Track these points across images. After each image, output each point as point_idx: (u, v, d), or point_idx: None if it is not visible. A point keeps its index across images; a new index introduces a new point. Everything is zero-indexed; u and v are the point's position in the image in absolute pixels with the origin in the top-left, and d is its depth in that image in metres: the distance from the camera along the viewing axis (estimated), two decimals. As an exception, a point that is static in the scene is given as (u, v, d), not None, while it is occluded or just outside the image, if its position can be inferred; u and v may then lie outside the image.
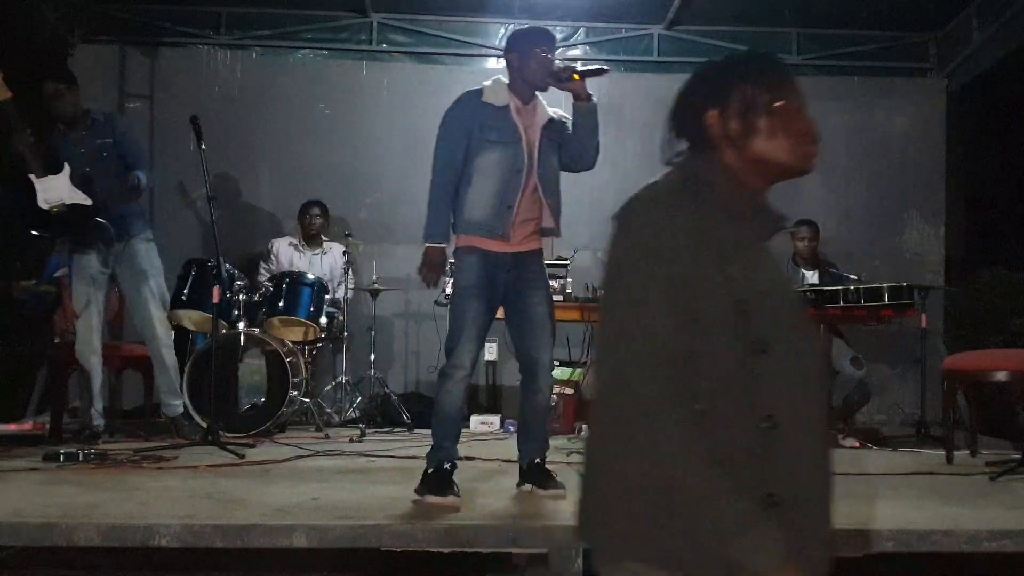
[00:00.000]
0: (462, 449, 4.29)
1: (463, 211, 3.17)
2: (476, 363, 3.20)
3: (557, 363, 5.55)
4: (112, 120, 4.67)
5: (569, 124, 3.29)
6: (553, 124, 3.27)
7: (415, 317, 6.62)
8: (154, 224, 6.32)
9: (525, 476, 3.18)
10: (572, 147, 3.27)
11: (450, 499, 2.90)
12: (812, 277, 5.69)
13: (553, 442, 4.79)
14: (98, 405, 4.49)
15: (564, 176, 7.87)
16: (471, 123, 3.21)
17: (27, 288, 4.40)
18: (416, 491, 2.96)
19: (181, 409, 4.69)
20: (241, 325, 5.04)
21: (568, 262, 5.60)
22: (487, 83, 3.31)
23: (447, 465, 3.05)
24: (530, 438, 3.22)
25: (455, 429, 3.14)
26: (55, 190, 4.32)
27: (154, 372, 4.72)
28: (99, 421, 4.50)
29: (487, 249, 3.14)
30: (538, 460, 3.19)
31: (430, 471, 3.03)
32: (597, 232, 6.86)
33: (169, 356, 4.68)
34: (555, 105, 3.38)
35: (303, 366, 5.15)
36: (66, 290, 4.53)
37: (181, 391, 4.73)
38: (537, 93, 3.27)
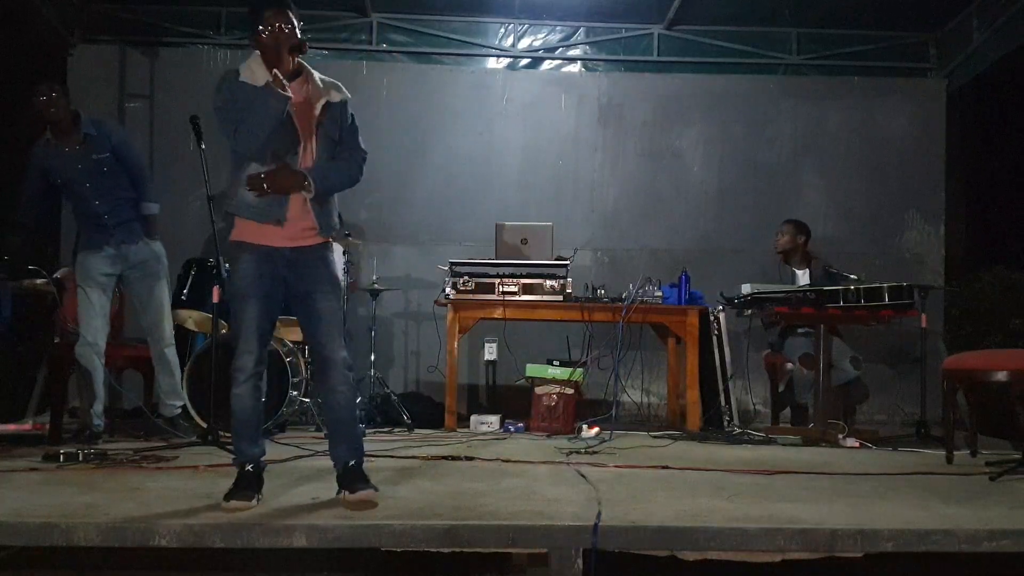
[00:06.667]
0: (462, 449, 4.34)
1: (240, 192, 2.95)
2: (263, 362, 3.04)
3: (557, 363, 5.58)
4: (106, 131, 4.52)
5: (347, 107, 3.07)
6: (331, 109, 3.02)
7: (415, 317, 6.62)
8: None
9: (339, 481, 2.98)
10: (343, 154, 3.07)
11: (234, 503, 2.80)
12: (803, 276, 5.69)
13: (553, 442, 4.84)
14: (98, 406, 4.49)
15: (562, 174, 7.86)
16: (239, 101, 2.90)
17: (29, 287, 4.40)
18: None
19: (180, 410, 4.70)
20: (241, 325, 5.03)
21: (568, 262, 5.60)
22: (247, 61, 2.98)
23: (249, 467, 2.99)
24: (340, 441, 3.04)
25: (247, 431, 3.02)
26: None
27: (156, 373, 4.72)
28: (99, 421, 4.49)
29: (259, 244, 2.97)
30: (352, 463, 2.99)
31: (236, 475, 2.99)
32: (597, 232, 6.88)
33: (174, 358, 4.71)
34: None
35: (303, 366, 5.15)
36: (68, 290, 4.53)
37: (182, 392, 4.76)
38: (312, 71, 3.03)
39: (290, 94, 2.89)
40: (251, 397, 3.01)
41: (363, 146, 3.13)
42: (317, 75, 3.05)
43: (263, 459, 3.06)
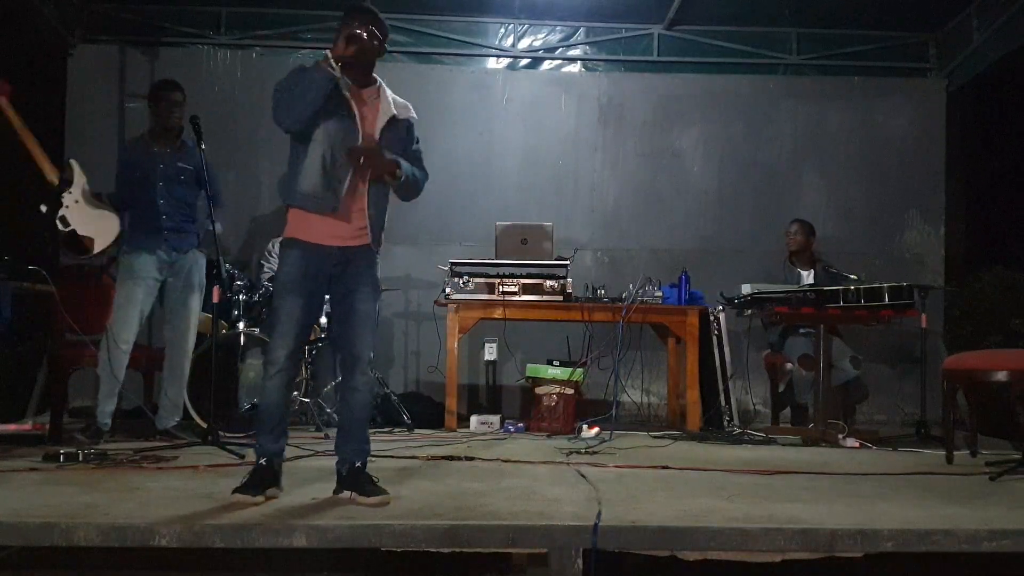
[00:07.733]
0: (462, 449, 4.34)
1: (296, 181, 3.05)
2: (296, 358, 3.09)
3: (557, 363, 5.58)
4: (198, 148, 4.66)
5: (414, 130, 3.23)
6: (396, 125, 3.16)
7: (415, 317, 6.62)
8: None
9: (344, 482, 3.01)
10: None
11: (238, 496, 2.84)
12: (808, 277, 5.70)
13: (553, 442, 4.84)
14: (109, 405, 4.47)
15: (562, 174, 7.86)
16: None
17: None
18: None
19: (176, 423, 4.70)
20: (241, 325, 5.04)
21: (568, 262, 5.60)
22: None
23: (262, 461, 2.99)
24: (350, 440, 3.08)
25: (269, 424, 3.02)
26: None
27: (164, 383, 4.68)
28: (106, 421, 4.48)
29: (311, 242, 3.03)
30: (359, 464, 3.04)
31: (252, 468, 3.00)
32: (597, 232, 6.88)
33: (188, 371, 4.68)
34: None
35: (303, 366, 5.15)
36: (112, 288, 4.55)
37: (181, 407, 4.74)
38: (386, 88, 3.22)
39: (338, 73, 3.03)
40: (278, 392, 3.02)
41: (425, 168, 3.30)
42: (391, 93, 3.20)
43: (282, 456, 3.09)
